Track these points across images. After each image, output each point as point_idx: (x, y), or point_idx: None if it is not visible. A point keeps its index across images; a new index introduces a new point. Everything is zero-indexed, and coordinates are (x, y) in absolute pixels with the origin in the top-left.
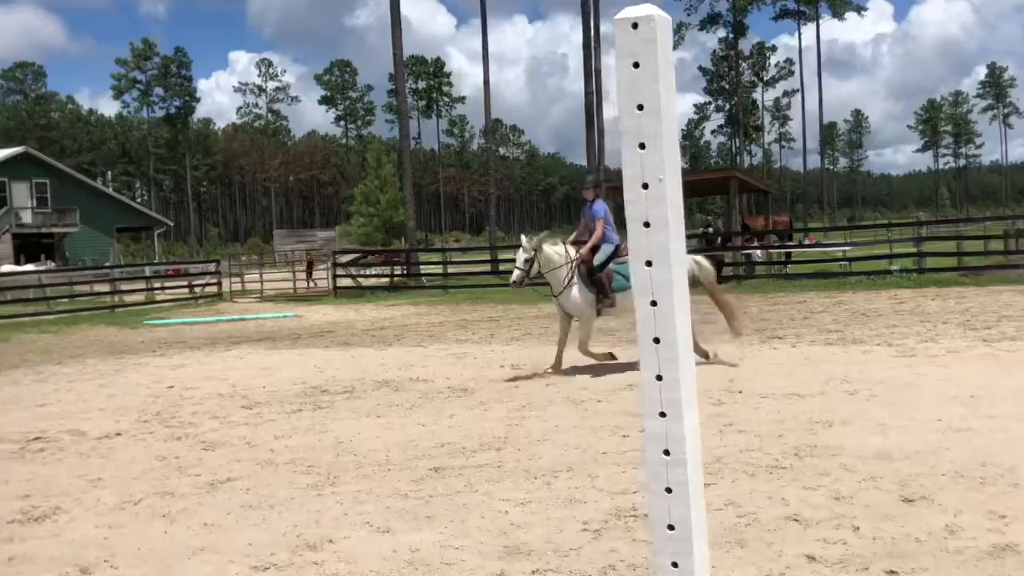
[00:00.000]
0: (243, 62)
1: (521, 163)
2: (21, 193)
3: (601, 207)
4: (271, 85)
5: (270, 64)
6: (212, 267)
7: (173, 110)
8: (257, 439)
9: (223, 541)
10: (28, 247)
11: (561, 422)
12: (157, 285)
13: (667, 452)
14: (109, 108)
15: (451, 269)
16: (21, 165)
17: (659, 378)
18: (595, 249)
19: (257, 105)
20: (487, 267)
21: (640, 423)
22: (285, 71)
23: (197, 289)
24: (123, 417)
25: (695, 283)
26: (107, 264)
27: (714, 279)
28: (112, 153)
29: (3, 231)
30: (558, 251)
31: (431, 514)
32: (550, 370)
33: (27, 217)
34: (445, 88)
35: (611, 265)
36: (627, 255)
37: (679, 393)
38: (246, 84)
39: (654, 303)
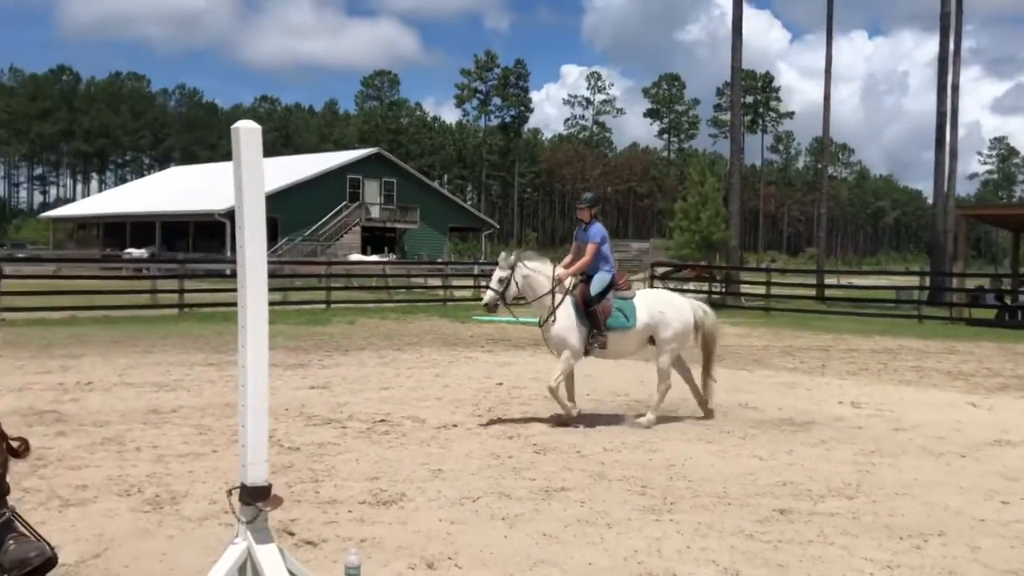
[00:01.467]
0: (574, 75)
1: (850, 184)
2: (372, 190)
3: (599, 230)
4: (598, 98)
5: (599, 77)
6: None
7: (508, 119)
8: (587, 449)
9: (563, 556)
10: (374, 239)
11: (920, 475)
12: (483, 283)
13: None
14: (450, 116)
15: (773, 291)
16: (373, 165)
17: None
18: (588, 276)
19: (583, 117)
20: (812, 291)
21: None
22: (612, 84)
23: None
24: (458, 409)
25: (697, 329)
26: (440, 260)
27: (716, 333)
28: (450, 158)
29: (355, 224)
30: (544, 271)
31: (783, 562)
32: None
33: (375, 212)
34: (772, 103)
35: (609, 297)
36: (628, 287)
37: None
38: (575, 96)
39: None
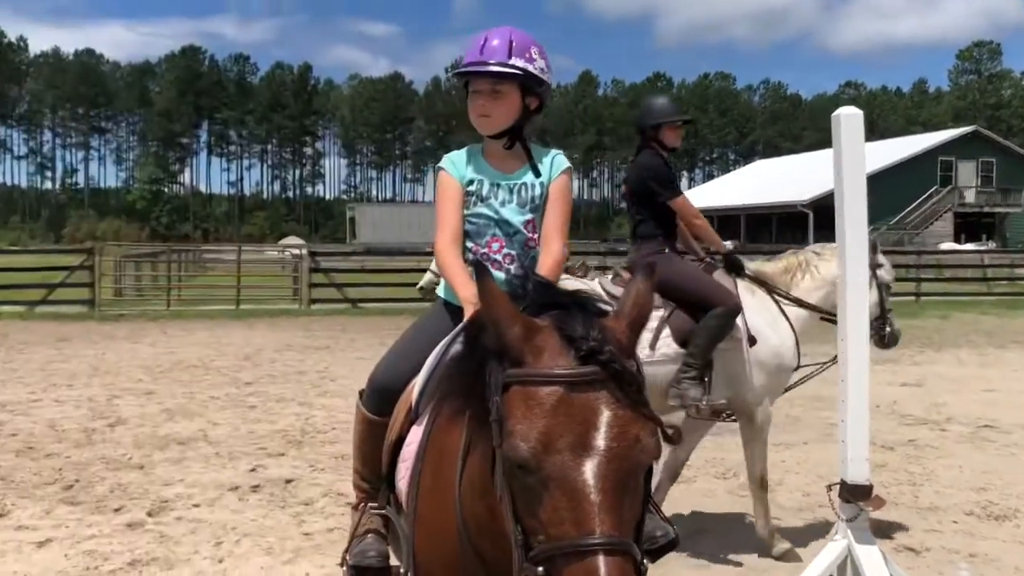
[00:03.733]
0: None
1: None
2: (967, 172)
3: None
4: None
5: None
6: None
7: None
8: None
9: None
10: (967, 226)
11: None
12: None
13: None
14: None
15: None
16: (969, 145)
17: None
18: None
19: None
20: None
21: None
22: None
23: None
24: None
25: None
26: None
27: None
28: None
29: (946, 210)
30: None
31: None
32: None
33: (970, 196)
34: None
35: None
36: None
37: None
38: None
39: None
